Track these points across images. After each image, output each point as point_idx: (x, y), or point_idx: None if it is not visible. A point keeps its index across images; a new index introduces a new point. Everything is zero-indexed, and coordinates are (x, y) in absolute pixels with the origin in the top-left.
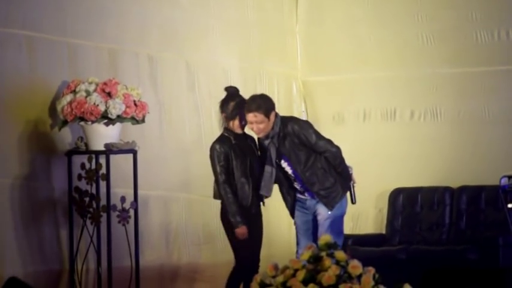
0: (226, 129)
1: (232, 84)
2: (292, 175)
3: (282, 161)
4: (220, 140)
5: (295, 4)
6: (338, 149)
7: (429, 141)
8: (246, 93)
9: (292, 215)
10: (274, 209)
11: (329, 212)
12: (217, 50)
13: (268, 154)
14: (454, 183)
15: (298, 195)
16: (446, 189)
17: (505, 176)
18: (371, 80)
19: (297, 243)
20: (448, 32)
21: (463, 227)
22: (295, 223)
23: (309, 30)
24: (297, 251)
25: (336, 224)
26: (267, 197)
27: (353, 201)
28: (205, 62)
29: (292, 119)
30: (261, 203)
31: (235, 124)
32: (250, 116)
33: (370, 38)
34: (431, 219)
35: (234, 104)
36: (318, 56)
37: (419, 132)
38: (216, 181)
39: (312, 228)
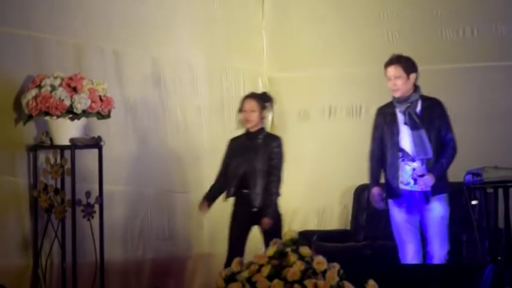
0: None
1: (198, 80)
2: (412, 145)
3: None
4: (237, 137)
5: (261, 0)
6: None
7: None
8: (211, 90)
9: (377, 182)
10: None
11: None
12: (183, 46)
13: (406, 119)
14: None
15: (403, 187)
16: None
17: (469, 173)
18: (336, 77)
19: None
20: (413, 29)
21: None
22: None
23: (275, 26)
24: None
25: (446, 225)
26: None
27: None
28: (171, 58)
29: (436, 99)
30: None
31: (241, 116)
32: (389, 70)
33: (336, 35)
34: None
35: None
36: (284, 52)
37: None
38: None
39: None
